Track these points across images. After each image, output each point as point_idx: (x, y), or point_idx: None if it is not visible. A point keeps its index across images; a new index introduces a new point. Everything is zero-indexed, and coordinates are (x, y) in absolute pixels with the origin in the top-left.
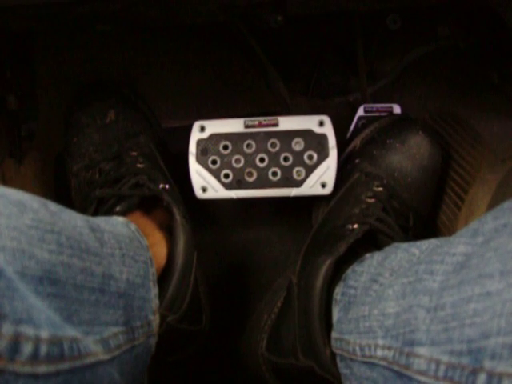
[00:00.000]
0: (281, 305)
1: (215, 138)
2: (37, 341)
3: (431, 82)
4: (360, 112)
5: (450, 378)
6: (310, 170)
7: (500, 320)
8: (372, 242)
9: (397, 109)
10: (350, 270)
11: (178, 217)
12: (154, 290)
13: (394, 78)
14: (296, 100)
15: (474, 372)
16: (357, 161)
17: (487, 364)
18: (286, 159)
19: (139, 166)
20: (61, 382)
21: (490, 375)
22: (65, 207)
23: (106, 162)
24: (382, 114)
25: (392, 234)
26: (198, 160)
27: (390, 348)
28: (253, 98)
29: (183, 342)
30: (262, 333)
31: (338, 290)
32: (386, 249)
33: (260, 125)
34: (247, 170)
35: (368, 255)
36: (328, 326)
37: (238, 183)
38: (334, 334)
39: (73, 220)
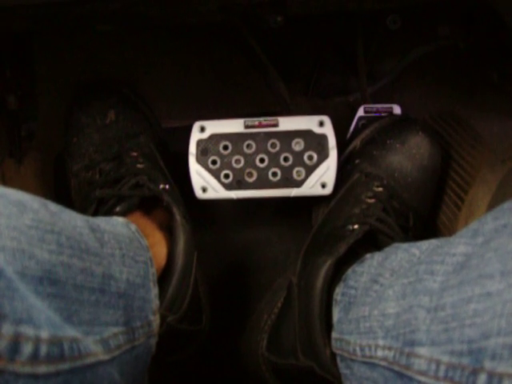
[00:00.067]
0: (281, 305)
1: (215, 138)
2: (37, 341)
3: (431, 82)
4: (360, 112)
5: (450, 378)
6: (310, 170)
7: (500, 320)
8: (372, 242)
9: (397, 109)
10: (350, 271)
11: (178, 217)
12: (154, 291)
13: (393, 77)
14: (296, 100)
15: (475, 372)
16: (357, 161)
17: (487, 364)
18: (286, 159)
19: (139, 166)
20: (61, 382)
21: (491, 375)
22: (65, 207)
23: (106, 162)
24: (382, 115)
25: (392, 234)
26: (198, 160)
27: (390, 348)
28: (253, 98)
29: (183, 342)
30: (262, 333)
31: (339, 291)
32: (387, 249)
33: (260, 125)
34: (247, 170)
35: (368, 255)
36: (328, 326)
37: (238, 183)
38: (334, 335)
39: (73, 220)
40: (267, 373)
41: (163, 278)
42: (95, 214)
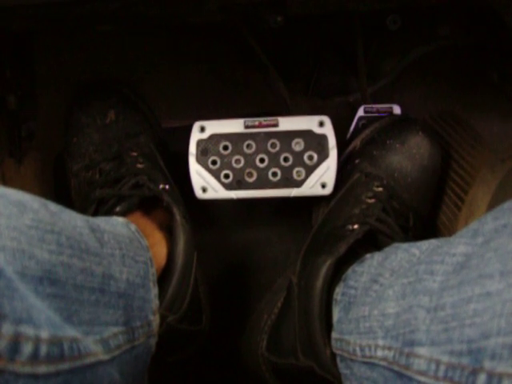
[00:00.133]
0: (281, 305)
1: (215, 138)
2: (37, 341)
3: (431, 82)
4: (360, 112)
5: (450, 378)
6: (310, 170)
7: (500, 320)
8: (372, 242)
9: (397, 109)
10: (350, 271)
11: (178, 217)
12: (154, 291)
13: (393, 77)
14: (296, 100)
15: (474, 372)
16: (357, 161)
17: (487, 364)
18: (286, 159)
19: (139, 166)
20: (61, 382)
21: (490, 375)
22: (65, 207)
23: (106, 162)
24: (382, 115)
25: (392, 234)
26: (198, 160)
27: (390, 348)
28: (253, 98)
29: (183, 342)
30: (262, 333)
31: (338, 291)
32: (386, 249)
33: (260, 125)
34: (247, 170)
35: (368, 255)
36: (328, 326)
37: (238, 183)
38: (334, 335)
39: (73, 220)
40: (267, 373)
41: (163, 278)
42: (95, 214)
